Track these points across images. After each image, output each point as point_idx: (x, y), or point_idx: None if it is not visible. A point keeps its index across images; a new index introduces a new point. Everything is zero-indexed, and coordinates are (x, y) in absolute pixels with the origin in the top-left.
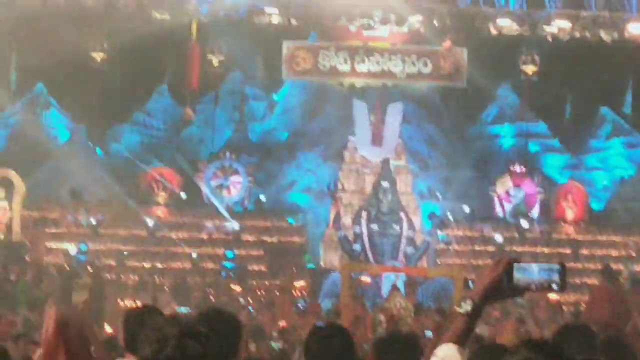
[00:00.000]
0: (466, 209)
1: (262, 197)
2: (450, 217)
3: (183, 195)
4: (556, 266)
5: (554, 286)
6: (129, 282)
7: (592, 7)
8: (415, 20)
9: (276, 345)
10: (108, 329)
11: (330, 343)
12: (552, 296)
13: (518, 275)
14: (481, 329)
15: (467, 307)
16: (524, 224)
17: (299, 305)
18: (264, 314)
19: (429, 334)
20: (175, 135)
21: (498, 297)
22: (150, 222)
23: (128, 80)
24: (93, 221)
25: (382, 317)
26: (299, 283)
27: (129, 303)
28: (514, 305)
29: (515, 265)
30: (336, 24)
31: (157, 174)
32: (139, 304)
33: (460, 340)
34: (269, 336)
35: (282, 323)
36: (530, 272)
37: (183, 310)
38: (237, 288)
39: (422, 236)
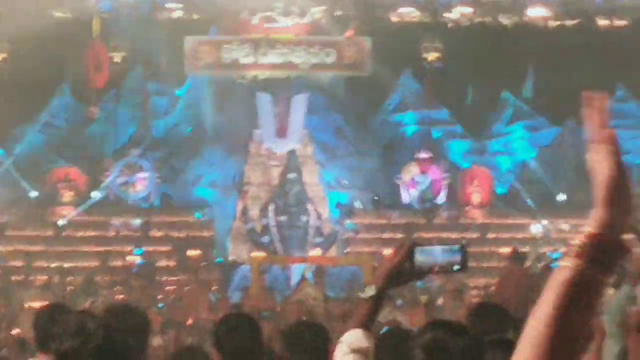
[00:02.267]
0: (373, 197)
1: (168, 193)
2: (358, 206)
3: (92, 194)
4: (457, 247)
5: (456, 267)
6: (36, 283)
7: None
8: (317, 11)
9: None
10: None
11: (238, 332)
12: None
13: (420, 258)
14: (394, 315)
15: (370, 291)
16: (431, 210)
17: (211, 299)
18: (174, 309)
19: None
20: (79, 134)
21: (401, 280)
22: (57, 222)
23: (29, 80)
24: None
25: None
26: (209, 277)
27: (37, 304)
28: (422, 292)
29: (417, 248)
30: (238, 17)
31: (62, 174)
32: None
33: (366, 325)
34: (179, 330)
35: (192, 318)
36: (432, 255)
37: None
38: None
39: (330, 226)
